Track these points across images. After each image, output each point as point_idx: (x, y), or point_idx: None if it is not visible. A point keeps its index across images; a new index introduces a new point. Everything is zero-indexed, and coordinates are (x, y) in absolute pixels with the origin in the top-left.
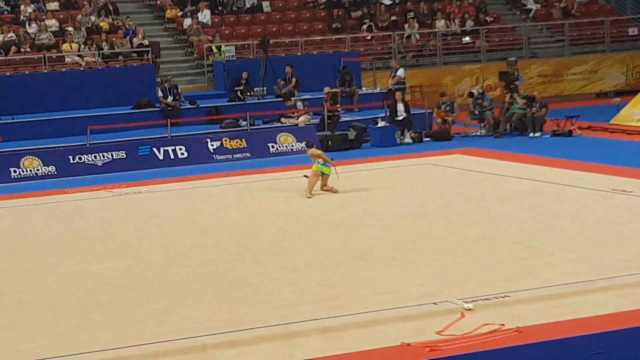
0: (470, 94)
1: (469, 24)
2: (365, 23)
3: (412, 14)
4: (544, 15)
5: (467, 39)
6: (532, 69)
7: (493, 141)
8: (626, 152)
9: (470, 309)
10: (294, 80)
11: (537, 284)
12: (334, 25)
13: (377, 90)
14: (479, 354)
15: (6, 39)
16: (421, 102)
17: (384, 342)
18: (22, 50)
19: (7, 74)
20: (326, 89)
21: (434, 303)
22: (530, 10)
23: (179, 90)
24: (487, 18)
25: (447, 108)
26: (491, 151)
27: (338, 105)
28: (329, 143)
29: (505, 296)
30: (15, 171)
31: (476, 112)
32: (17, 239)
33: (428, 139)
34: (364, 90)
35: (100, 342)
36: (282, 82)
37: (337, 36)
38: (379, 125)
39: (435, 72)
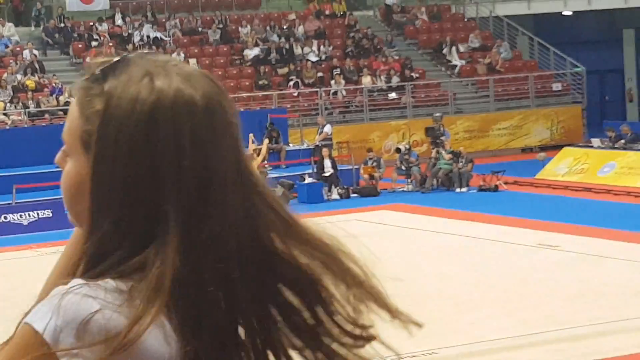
0: (397, 150)
1: (395, 80)
2: (291, 79)
3: (338, 71)
4: (469, 70)
5: (393, 95)
6: (457, 124)
7: (420, 196)
8: (552, 206)
9: None
10: None
11: (463, 340)
12: (260, 82)
13: (305, 146)
14: None
15: None
16: (348, 158)
17: None
18: None
19: None
20: (253, 146)
21: None
22: (455, 66)
23: None
24: (412, 74)
25: (374, 164)
26: (418, 206)
27: (265, 162)
28: None
29: (433, 353)
30: None
31: (403, 167)
32: None
33: (355, 194)
34: (291, 146)
35: None
36: None
37: (264, 92)
38: (306, 181)
39: (362, 128)
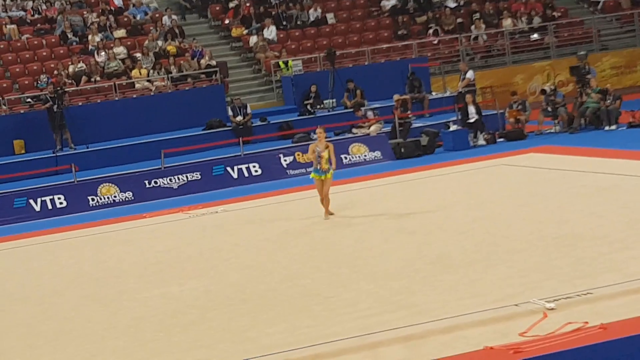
0: (543, 91)
1: (537, 21)
2: (431, 27)
3: (477, 15)
4: (612, 6)
5: (535, 36)
6: (603, 61)
7: (568, 137)
8: None
9: (552, 309)
10: (358, 92)
11: (619, 279)
12: (399, 32)
13: (447, 94)
14: (564, 353)
15: (76, 69)
16: (492, 103)
17: (467, 347)
18: (92, 79)
19: (80, 103)
20: (396, 97)
21: (516, 304)
22: (598, 2)
23: (248, 109)
24: (554, 13)
25: (519, 107)
26: (567, 147)
27: (409, 112)
28: (402, 150)
29: (588, 293)
30: (93, 199)
31: (549, 109)
32: (98, 266)
33: (502, 139)
34: (434, 95)
35: None
36: (347, 95)
37: (404, 43)
38: (451, 129)
39: (505, 72)
